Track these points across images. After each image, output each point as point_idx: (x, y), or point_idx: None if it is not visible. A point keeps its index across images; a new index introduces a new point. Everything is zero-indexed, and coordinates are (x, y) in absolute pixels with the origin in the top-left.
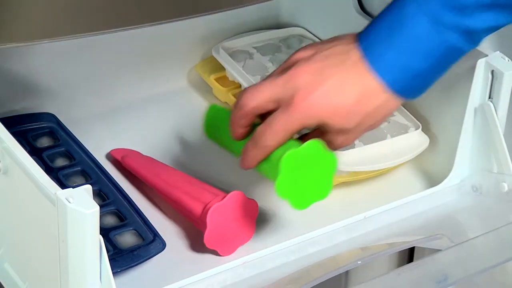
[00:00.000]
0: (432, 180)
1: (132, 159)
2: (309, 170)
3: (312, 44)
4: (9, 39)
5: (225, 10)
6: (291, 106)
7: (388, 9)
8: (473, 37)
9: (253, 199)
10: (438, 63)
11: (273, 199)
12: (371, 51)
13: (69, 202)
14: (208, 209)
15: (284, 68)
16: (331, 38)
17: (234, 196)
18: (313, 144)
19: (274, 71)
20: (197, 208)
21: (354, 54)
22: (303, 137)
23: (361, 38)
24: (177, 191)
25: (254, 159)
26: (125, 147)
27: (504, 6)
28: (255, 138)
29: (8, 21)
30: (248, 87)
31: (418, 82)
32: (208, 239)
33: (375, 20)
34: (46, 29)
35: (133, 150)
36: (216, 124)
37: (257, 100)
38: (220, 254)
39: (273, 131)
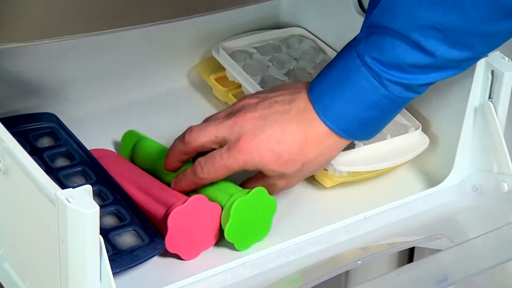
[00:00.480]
0: (432, 180)
1: (105, 161)
2: (254, 215)
3: (259, 92)
4: (9, 39)
5: (225, 10)
6: (236, 147)
7: (336, 60)
8: (416, 89)
9: (216, 203)
10: (384, 112)
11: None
12: (320, 101)
13: (69, 202)
14: (169, 213)
15: (231, 112)
16: (278, 86)
17: (195, 200)
18: (259, 191)
19: (219, 113)
20: (160, 211)
21: (299, 102)
22: (246, 181)
23: (310, 88)
24: (142, 195)
25: (189, 187)
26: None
27: (442, 67)
28: (194, 169)
29: (8, 21)
30: (194, 126)
31: (366, 129)
32: (169, 243)
33: (324, 71)
34: (46, 29)
35: (110, 151)
36: (138, 151)
37: (202, 139)
38: (183, 258)
39: (215, 166)
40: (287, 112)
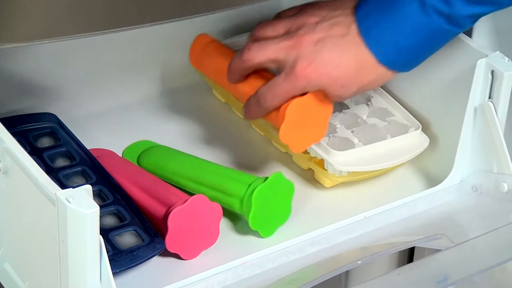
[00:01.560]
0: (432, 180)
1: (105, 160)
2: (274, 200)
3: (317, 7)
4: (9, 39)
5: (225, 10)
6: (293, 73)
7: None
8: (458, 22)
9: (217, 203)
10: (424, 41)
11: None
12: (363, 25)
13: (69, 202)
14: (170, 212)
15: (290, 29)
16: (333, 2)
17: (196, 199)
18: (275, 176)
19: (278, 24)
20: (160, 211)
21: (353, 28)
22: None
23: (357, 10)
24: (143, 194)
25: (255, 115)
26: (125, 147)
27: (486, 2)
28: (257, 98)
29: (8, 21)
30: (253, 44)
31: (407, 57)
32: (169, 242)
33: None
34: (46, 29)
35: (109, 151)
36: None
37: (260, 58)
38: (183, 258)
39: (275, 94)
40: (346, 35)
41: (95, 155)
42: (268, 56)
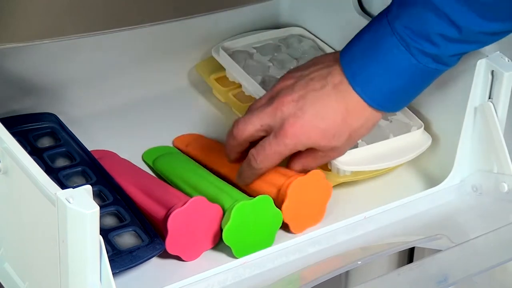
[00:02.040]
0: (432, 180)
1: (106, 161)
2: (256, 222)
3: (292, 71)
4: (9, 39)
5: (225, 10)
6: (282, 133)
7: (366, 29)
8: (444, 61)
9: (216, 204)
10: (413, 81)
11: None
12: (349, 69)
13: (69, 202)
14: (169, 214)
15: (270, 97)
16: (310, 61)
17: (195, 201)
18: (264, 198)
19: (260, 99)
20: (160, 212)
21: (334, 75)
22: (294, 157)
23: (341, 57)
24: (143, 196)
25: (250, 179)
26: (126, 147)
27: (470, 41)
28: (249, 161)
29: (8, 21)
30: (239, 119)
31: (396, 98)
32: (170, 245)
33: (354, 40)
34: (47, 29)
35: (111, 152)
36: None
37: (249, 131)
38: (184, 259)
39: (266, 155)
40: (324, 87)
41: (97, 156)
42: (255, 126)
